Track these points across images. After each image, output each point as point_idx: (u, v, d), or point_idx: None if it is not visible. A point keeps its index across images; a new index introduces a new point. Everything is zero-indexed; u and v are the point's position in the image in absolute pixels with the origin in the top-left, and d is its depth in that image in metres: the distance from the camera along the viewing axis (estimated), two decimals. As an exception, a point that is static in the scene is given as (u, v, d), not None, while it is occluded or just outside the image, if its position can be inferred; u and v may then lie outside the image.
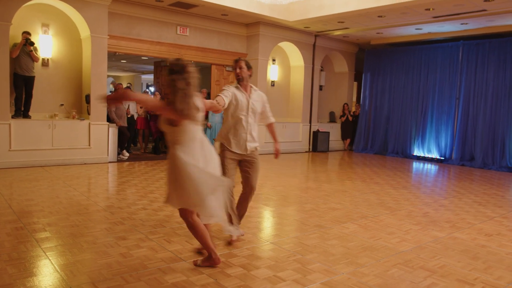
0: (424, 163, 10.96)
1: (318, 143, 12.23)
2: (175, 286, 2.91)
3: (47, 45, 8.05)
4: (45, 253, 3.43)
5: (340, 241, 4.10)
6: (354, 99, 14.44)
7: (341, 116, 13.17)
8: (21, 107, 7.62)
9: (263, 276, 3.16)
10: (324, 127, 12.72)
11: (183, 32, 9.96)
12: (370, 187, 7.10)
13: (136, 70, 19.40)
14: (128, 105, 9.76)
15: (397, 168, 9.71)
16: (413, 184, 7.57)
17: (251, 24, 10.92)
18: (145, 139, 10.59)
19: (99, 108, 8.17)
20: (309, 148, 12.42)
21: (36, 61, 7.67)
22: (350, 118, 13.08)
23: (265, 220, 4.93)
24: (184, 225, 4.33)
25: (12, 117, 7.44)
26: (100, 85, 8.20)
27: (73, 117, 8.15)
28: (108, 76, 22.42)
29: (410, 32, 10.95)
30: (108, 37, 8.38)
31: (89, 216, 4.58)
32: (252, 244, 3.89)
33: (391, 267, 3.49)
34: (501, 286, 3.20)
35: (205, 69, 11.60)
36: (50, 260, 3.29)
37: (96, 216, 4.60)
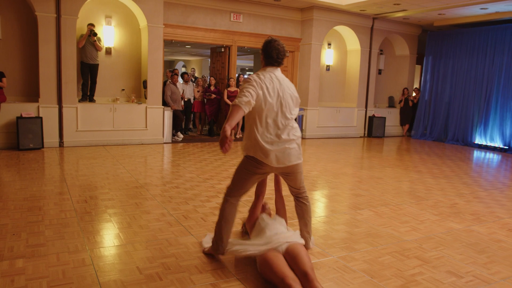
0: (485, 152, 10.37)
1: (373, 128, 12.04)
2: (174, 256, 3.32)
3: (109, 35, 8.85)
4: (79, 220, 4.03)
5: (347, 227, 4.25)
6: (417, 84, 13.87)
7: (400, 101, 12.78)
8: (87, 92, 8.52)
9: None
10: (381, 112, 12.46)
11: (236, 18, 10.30)
12: (409, 175, 7.01)
13: (203, 54, 20.20)
14: (183, 90, 10.38)
15: (449, 156, 9.33)
16: (457, 174, 7.31)
17: (305, 9, 10.95)
18: (201, 121, 11.20)
19: (155, 93, 8.86)
20: (364, 133, 12.28)
21: (100, 50, 8.50)
22: (410, 103, 12.64)
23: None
24: (206, 203, 4.76)
25: (79, 101, 8.36)
26: (155, 72, 8.86)
27: (132, 101, 8.92)
28: (180, 60, 23.55)
29: (475, 12, 10.27)
30: (164, 26, 8.98)
31: (126, 191, 5.17)
32: (260, 224, 4.18)
33: (385, 254, 3.60)
34: (492, 280, 3.19)
35: (256, 54, 11.86)
36: (79, 225, 3.88)
37: (131, 191, 5.18)
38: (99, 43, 8.45)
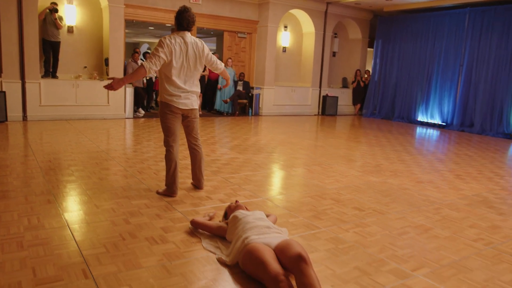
0: (426, 128, 11.38)
1: (326, 107, 12.87)
2: (137, 207, 3.93)
3: (71, 14, 9.19)
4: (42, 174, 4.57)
5: (279, 179, 4.98)
6: (369, 66, 14.77)
7: (352, 82, 13.64)
8: (50, 68, 8.87)
9: (196, 196, 4.11)
10: (334, 92, 13.29)
11: (195, 0, 10.78)
12: (348, 144, 7.83)
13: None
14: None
15: (391, 131, 10.26)
16: (392, 144, 8.18)
17: (262, -7, 11.54)
18: (163, 100, 11.67)
19: (116, 70, 9.29)
20: (318, 112, 13.09)
21: (60, 28, 8.83)
22: (362, 84, 13.53)
23: (225, 161, 5.84)
24: (160, 162, 5.35)
25: (42, 77, 8.71)
26: (117, 50, 9.29)
27: (94, 78, 9.32)
28: (144, 42, 23.62)
29: (418, -1, 11.16)
30: (125, 6, 9.39)
31: (88, 154, 5.70)
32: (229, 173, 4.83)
33: (305, 196, 4.34)
34: (387, 212, 3.98)
35: (218, 36, 12.40)
36: (43, 177, 4.42)
37: (93, 155, 5.71)
38: (60, 22, 8.78)
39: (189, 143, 4.25)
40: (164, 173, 4.88)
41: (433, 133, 10.61)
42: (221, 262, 2.71)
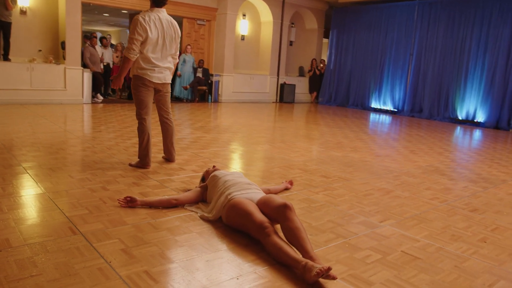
0: (379, 114, 11.95)
1: (284, 95, 13.16)
2: (112, 176, 3.94)
3: (24, -6, 8.82)
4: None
5: (247, 154, 5.14)
6: (324, 55, 15.23)
7: (309, 71, 14.03)
8: (1, 51, 8.48)
9: (169, 167, 4.19)
10: (291, 80, 13.61)
11: (154, -15, 10.64)
12: (308, 126, 8.13)
13: (121, 24, 19.98)
14: (102, 53, 10.60)
15: (347, 116, 10.71)
16: (349, 126, 8.58)
17: (221, -20, 11.59)
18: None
19: (74, 54, 9.04)
20: (276, 99, 13.36)
21: (10, 9, 8.44)
22: (318, 73, 13.94)
23: (192, 139, 5.92)
24: (128, 141, 5.33)
25: (-7, 59, 8.33)
26: (74, 33, 9.03)
27: (50, 62, 9.02)
28: (97, 31, 22.92)
29: (370, -10, 11.64)
30: (81, -12, 9.13)
31: (51, 134, 5.59)
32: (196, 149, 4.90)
33: (274, 167, 4.53)
34: (351, 179, 4.25)
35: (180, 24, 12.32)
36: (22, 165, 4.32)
37: (55, 135, 5.61)
38: (10, 2, 8.40)
39: (161, 117, 4.32)
40: (134, 149, 4.91)
41: (385, 118, 11.17)
42: (204, 219, 2.84)
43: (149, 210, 2.93)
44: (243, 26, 12.69)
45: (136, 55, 3.85)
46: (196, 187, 3.35)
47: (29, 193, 3.16)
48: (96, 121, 7.04)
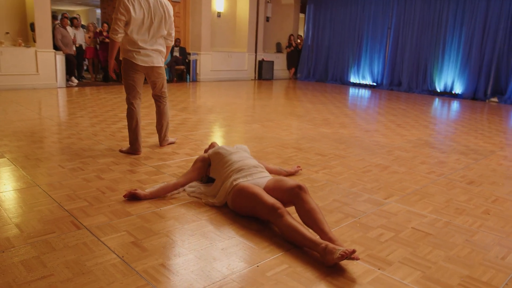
0: (358, 89, 11.99)
1: (263, 72, 13.01)
2: (105, 164, 3.79)
3: (-14, -27, 8.26)
4: (-12, 142, 4.22)
5: (239, 134, 5.05)
6: (301, 31, 15.08)
7: (286, 47, 13.87)
8: (-35, 34, 7.99)
9: (163, 151, 4.06)
10: (269, 57, 13.45)
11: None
12: (291, 103, 8.06)
13: (89, 3, 19.16)
14: (75, 34, 10.14)
15: (327, 91, 10.69)
16: (332, 101, 8.56)
17: (194, -46, 11.18)
18: (95, 68, 11.07)
19: (44, 36, 8.60)
20: (255, 77, 13.21)
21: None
22: (294, 46, 13.77)
23: (179, 121, 5.78)
24: (112, 125, 5.15)
25: (-43, 43, 7.83)
26: (44, 14, 8.56)
27: (19, 45, 8.56)
28: (63, 10, 21.94)
29: (346, -38, 11.48)
30: (48, -35, 8.62)
31: (32, 121, 5.33)
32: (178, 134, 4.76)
33: (268, 147, 4.47)
34: (347, 156, 4.24)
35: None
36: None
37: (36, 121, 5.35)
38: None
39: (155, 101, 4.23)
40: (121, 134, 4.75)
41: (365, 92, 11.22)
42: (209, 204, 2.75)
43: (151, 200, 2.82)
44: (218, 3, 12.36)
45: (120, 35, 3.69)
46: (196, 161, 3.04)
47: (21, 186, 2.99)
48: (75, 106, 6.76)
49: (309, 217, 2.27)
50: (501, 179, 3.69)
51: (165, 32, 3.92)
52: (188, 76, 11.54)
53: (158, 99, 4.18)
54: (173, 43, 4.08)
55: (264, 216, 2.42)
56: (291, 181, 2.48)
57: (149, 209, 2.65)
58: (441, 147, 4.87)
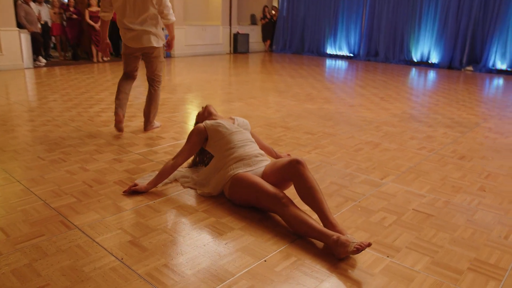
0: (335, 60, 11.90)
1: (238, 45, 12.72)
2: (88, 153, 3.58)
3: None
4: (-44, 133, 3.93)
5: (223, 114, 4.89)
6: (275, 2, 14.74)
7: (261, 19, 13.56)
8: None
9: (146, 136, 3.89)
10: (244, 29, 13.12)
11: None
12: (271, 77, 7.91)
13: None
14: (39, 10, 9.56)
15: (305, 63, 10.57)
16: (312, 75, 8.46)
17: None
18: (63, 45, 10.53)
19: (6, 14, 8.05)
20: (230, 50, 12.91)
21: None
22: (268, 18, 13.45)
23: (160, 102, 5.58)
24: (89, 109, 4.91)
25: None
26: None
27: (-21, 23, 8.00)
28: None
29: None
30: None
31: (7, 107, 5.01)
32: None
33: (255, 126, 4.35)
34: (336, 133, 4.18)
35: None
36: (-39, 137, 3.82)
37: (8, 107, 5.04)
38: None
39: (147, 81, 4.11)
40: (100, 118, 4.54)
41: (342, 63, 11.15)
42: (205, 195, 2.64)
43: (146, 195, 2.68)
44: (189, -27, 11.87)
45: (105, 14, 3.71)
46: (191, 135, 2.72)
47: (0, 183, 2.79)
48: (46, 89, 6.41)
49: (309, 196, 2.20)
50: (490, 152, 3.72)
51: (154, 11, 3.69)
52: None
53: (151, 83, 4.05)
54: (170, 21, 3.79)
55: (267, 206, 2.32)
56: (286, 158, 2.40)
57: (142, 203, 2.52)
58: (427, 120, 4.87)
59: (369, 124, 4.60)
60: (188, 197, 2.63)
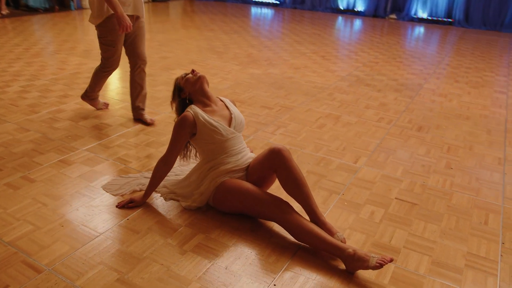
0: (260, 8, 11.48)
1: (157, -8, 11.69)
2: (26, 156, 3.04)
3: None
4: None
5: (166, 86, 4.49)
6: None
7: (179, -39, 12.49)
8: None
9: (90, 125, 3.43)
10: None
11: None
12: (203, 34, 7.42)
13: None
14: None
15: (233, 14, 10.07)
16: (245, 29, 8.09)
17: None
18: None
19: None
20: (148, -2, 11.86)
21: None
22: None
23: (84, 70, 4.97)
24: (7, 88, 4.24)
25: None
26: None
27: None
28: None
29: None
30: None
31: None
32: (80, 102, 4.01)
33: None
34: (293, 106, 4.04)
35: None
36: None
37: None
38: None
39: None
40: (25, 101, 3.90)
41: (269, 12, 10.80)
42: (192, 208, 2.34)
43: (116, 210, 2.34)
44: None
45: None
46: (180, 127, 2.23)
47: None
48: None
49: (296, 189, 2.09)
50: (441, 120, 3.85)
51: None
52: (71, 3, 9.85)
53: (142, 63, 3.45)
54: None
55: (264, 214, 2.14)
56: (266, 150, 2.20)
57: (113, 222, 2.21)
58: (374, 83, 4.91)
59: (321, 91, 4.52)
60: (163, 207, 2.36)
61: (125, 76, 4.79)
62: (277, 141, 3.26)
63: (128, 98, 4.04)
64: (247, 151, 2.38)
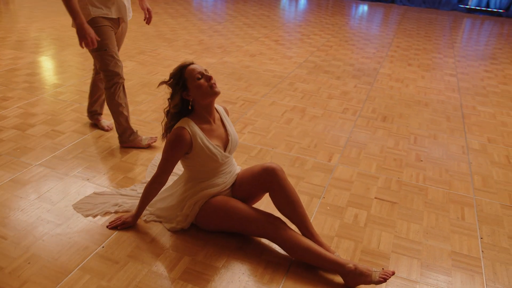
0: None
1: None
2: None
3: None
4: None
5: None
6: None
7: None
8: None
9: (40, 133, 3.11)
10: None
11: None
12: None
13: None
14: None
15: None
16: (190, 11, 7.74)
17: None
18: None
19: None
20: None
21: None
22: None
23: (39, 69, 4.53)
24: None
25: None
26: None
27: None
28: None
29: None
30: None
31: None
32: (24, 100, 3.63)
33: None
34: (257, 100, 3.91)
35: None
36: None
37: None
38: None
39: None
40: (-42, 108, 3.46)
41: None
42: (177, 230, 2.17)
43: (87, 236, 2.13)
44: None
45: None
46: (176, 144, 1.99)
47: None
48: None
49: (291, 210, 2.01)
50: (403, 108, 3.91)
51: None
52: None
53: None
54: None
55: (255, 232, 2.05)
56: (257, 166, 2.08)
57: (87, 251, 2.01)
58: (332, 69, 4.89)
59: (281, 81, 4.42)
60: (139, 227, 2.19)
61: (74, 74, 4.40)
62: (247, 141, 3.14)
63: (77, 98, 3.71)
64: (235, 168, 2.24)
